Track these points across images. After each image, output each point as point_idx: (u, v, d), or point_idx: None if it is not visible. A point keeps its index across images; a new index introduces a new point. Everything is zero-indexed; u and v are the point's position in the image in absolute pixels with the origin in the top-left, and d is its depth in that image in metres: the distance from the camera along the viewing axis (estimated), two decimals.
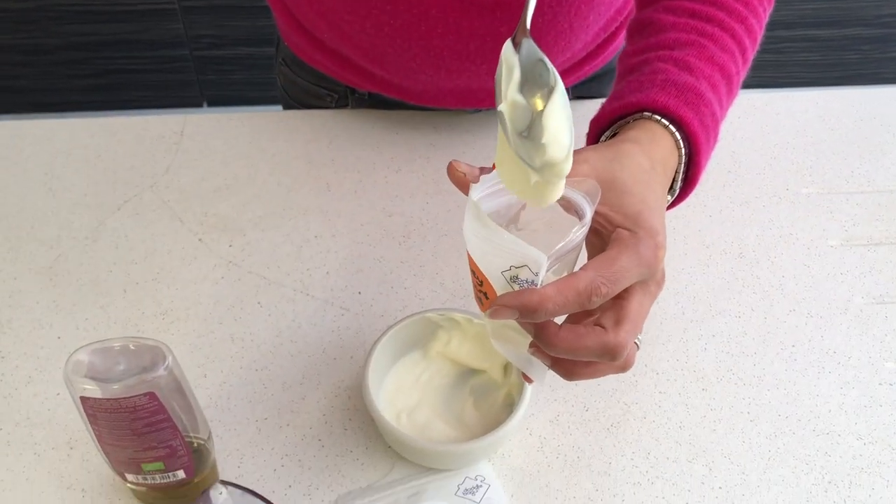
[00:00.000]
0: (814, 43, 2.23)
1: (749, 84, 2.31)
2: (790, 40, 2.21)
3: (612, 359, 0.48)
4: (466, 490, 0.62)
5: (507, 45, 0.45)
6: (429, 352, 0.69)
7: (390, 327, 0.66)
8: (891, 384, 0.70)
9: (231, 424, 0.67)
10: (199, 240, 0.81)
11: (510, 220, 0.51)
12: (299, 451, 0.65)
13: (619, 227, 0.50)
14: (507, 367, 0.67)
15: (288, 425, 0.67)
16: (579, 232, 0.47)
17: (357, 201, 0.85)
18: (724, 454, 0.66)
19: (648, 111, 0.56)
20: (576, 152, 0.51)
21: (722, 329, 0.74)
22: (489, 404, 0.66)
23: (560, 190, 0.47)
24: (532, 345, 0.50)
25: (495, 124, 0.93)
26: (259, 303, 0.76)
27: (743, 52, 0.62)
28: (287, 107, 1.04)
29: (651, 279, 0.50)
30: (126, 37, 2.05)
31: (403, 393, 0.67)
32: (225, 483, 0.62)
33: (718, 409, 0.69)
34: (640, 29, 0.65)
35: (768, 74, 2.27)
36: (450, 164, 0.51)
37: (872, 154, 0.92)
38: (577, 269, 0.49)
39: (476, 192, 0.48)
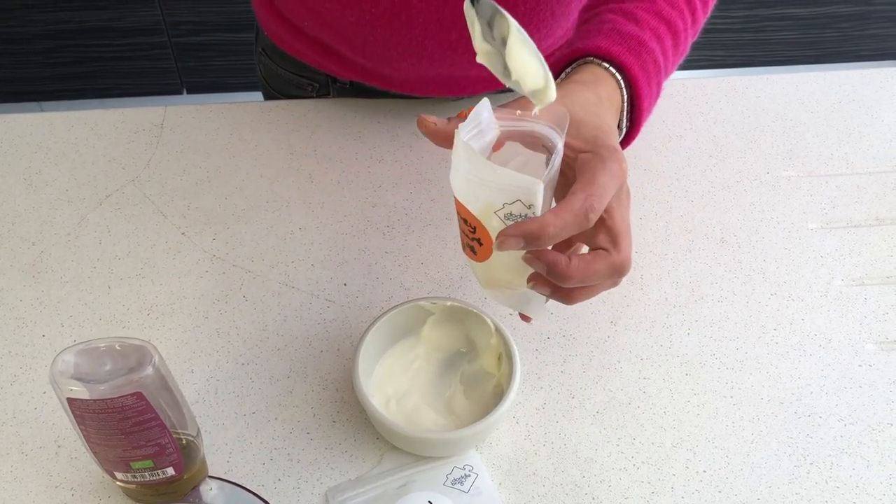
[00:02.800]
0: (793, 21, 2.23)
1: (729, 63, 2.32)
2: (769, 19, 2.22)
3: (620, 275, 0.54)
4: (455, 480, 0.62)
5: (466, 3, 0.50)
6: (420, 339, 0.69)
7: (383, 314, 0.67)
8: (871, 365, 0.72)
9: (219, 419, 0.67)
10: (183, 233, 0.81)
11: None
12: (288, 445, 0.66)
13: (580, 152, 0.54)
14: (500, 358, 0.67)
15: (276, 419, 0.67)
16: (557, 158, 0.51)
17: (340, 192, 0.85)
18: (708, 438, 0.67)
19: (592, 56, 0.62)
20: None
21: (705, 314, 0.75)
22: (479, 393, 0.67)
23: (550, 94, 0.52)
24: (531, 278, 0.54)
25: None
26: (244, 296, 0.76)
27: (693, 12, 0.68)
28: (268, 96, 1.04)
29: (622, 191, 0.55)
30: (104, 24, 2.03)
31: (393, 381, 0.67)
32: (214, 478, 0.63)
33: (702, 394, 0.69)
34: None
35: (747, 53, 2.28)
36: (419, 117, 0.55)
37: (850, 136, 0.92)
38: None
39: (463, 133, 0.50)
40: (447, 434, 0.62)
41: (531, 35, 0.80)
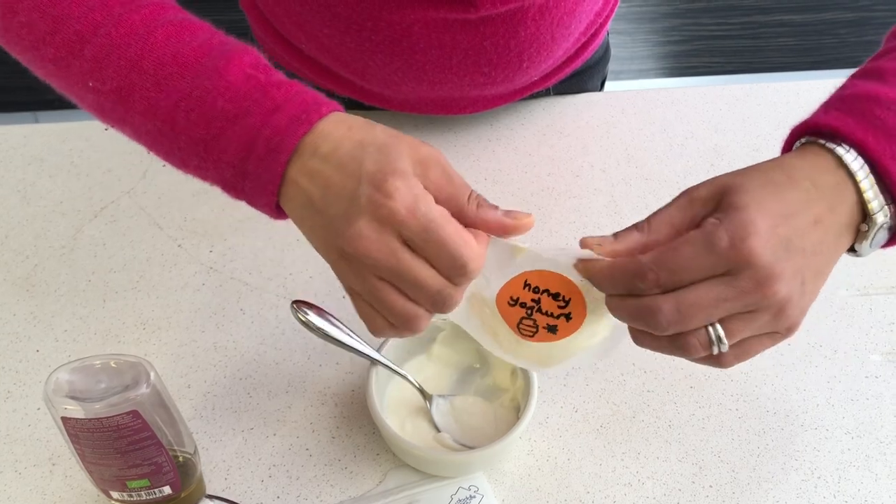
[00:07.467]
0: (791, 28, 2.23)
1: (727, 70, 2.31)
2: (767, 25, 2.22)
3: (636, 282, 0.47)
4: (460, 500, 0.61)
5: None
6: (431, 356, 0.68)
7: None
8: (877, 377, 0.71)
9: (217, 436, 0.66)
10: (179, 246, 0.80)
11: None
12: (287, 462, 0.64)
13: (715, 216, 0.46)
14: (513, 372, 0.66)
15: (274, 435, 0.66)
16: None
17: None
18: (714, 452, 0.66)
19: (804, 137, 0.51)
20: (706, 180, 0.50)
21: None
22: (494, 408, 0.66)
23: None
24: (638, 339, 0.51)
25: (477, 125, 0.92)
26: (242, 309, 0.75)
27: None
28: None
29: (739, 272, 0.45)
30: None
31: (406, 401, 0.66)
32: (212, 497, 0.61)
33: (707, 407, 0.68)
34: None
35: (745, 60, 2.28)
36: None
37: None
38: None
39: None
40: (466, 454, 0.61)
41: (533, 57, 0.80)
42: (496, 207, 0.49)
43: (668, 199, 0.86)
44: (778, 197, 0.47)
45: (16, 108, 2.15)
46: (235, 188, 0.51)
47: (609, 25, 0.94)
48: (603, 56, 0.97)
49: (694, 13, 2.21)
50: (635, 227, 0.50)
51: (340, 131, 0.48)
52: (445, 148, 0.90)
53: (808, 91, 0.98)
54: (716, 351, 0.48)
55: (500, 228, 0.49)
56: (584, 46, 0.89)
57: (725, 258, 0.45)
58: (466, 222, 0.49)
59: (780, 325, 0.48)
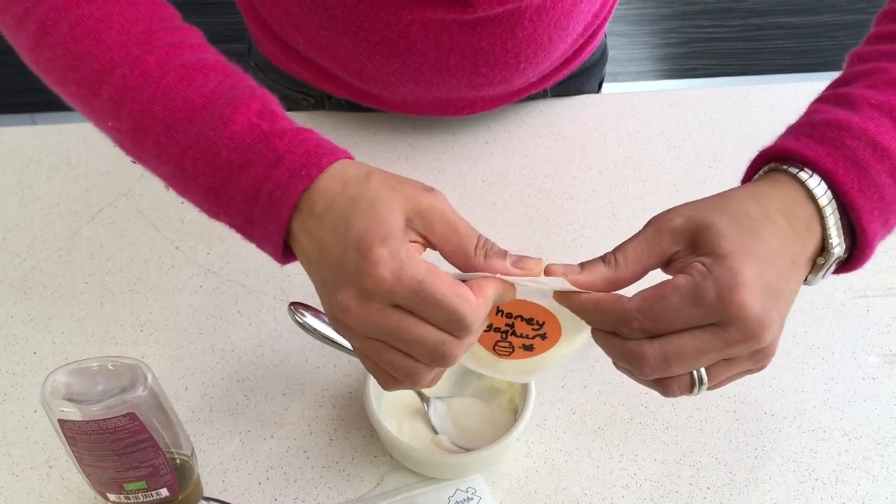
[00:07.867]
0: (788, 30, 2.24)
1: (724, 72, 2.31)
2: (764, 28, 2.22)
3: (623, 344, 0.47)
4: (458, 502, 0.61)
5: None
6: None
7: None
8: (874, 378, 0.71)
9: (214, 438, 0.66)
10: (176, 248, 0.80)
11: None
12: (284, 464, 0.64)
13: (699, 262, 0.46)
14: None
15: (272, 437, 0.66)
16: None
17: None
18: (712, 454, 0.66)
19: (774, 162, 0.51)
20: (675, 207, 0.50)
21: None
22: (492, 409, 0.66)
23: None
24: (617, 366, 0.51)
25: (475, 126, 0.92)
26: (239, 311, 0.75)
27: None
28: None
29: (728, 324, 0.45)
30: None
31: (404, 400, 0.66)
32: (209, 499, 0.61)
33: (704, 409, 0.68)
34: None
35: (743, 62, 2.28)
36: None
37: None
38: None
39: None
40: (464, 456, 0.61)
41: (530, 58, 0.80)
42: (504, 255, 0.48)
43: (666, 202, 0.86)
44: (757, 237, 0.46)
45: (13, 109, 2.15)
46: (246, 233, 0.52)
47: (607, 27, 0.94)
48: (600, 58, 0.98)
49: (692, 15, 2.22)
50: (602, 259, 0.49)
51: (336, 187, 0.48)
52: (442, 149, 0.90)
53: (806, 93, 0.98)
54: (696, 392, 0.49)
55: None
56: (582, 48, 0.89)
57: (713, 311, 0.44)
58: (474, 272, 0.48)
59: (756, 365, 0.49)
